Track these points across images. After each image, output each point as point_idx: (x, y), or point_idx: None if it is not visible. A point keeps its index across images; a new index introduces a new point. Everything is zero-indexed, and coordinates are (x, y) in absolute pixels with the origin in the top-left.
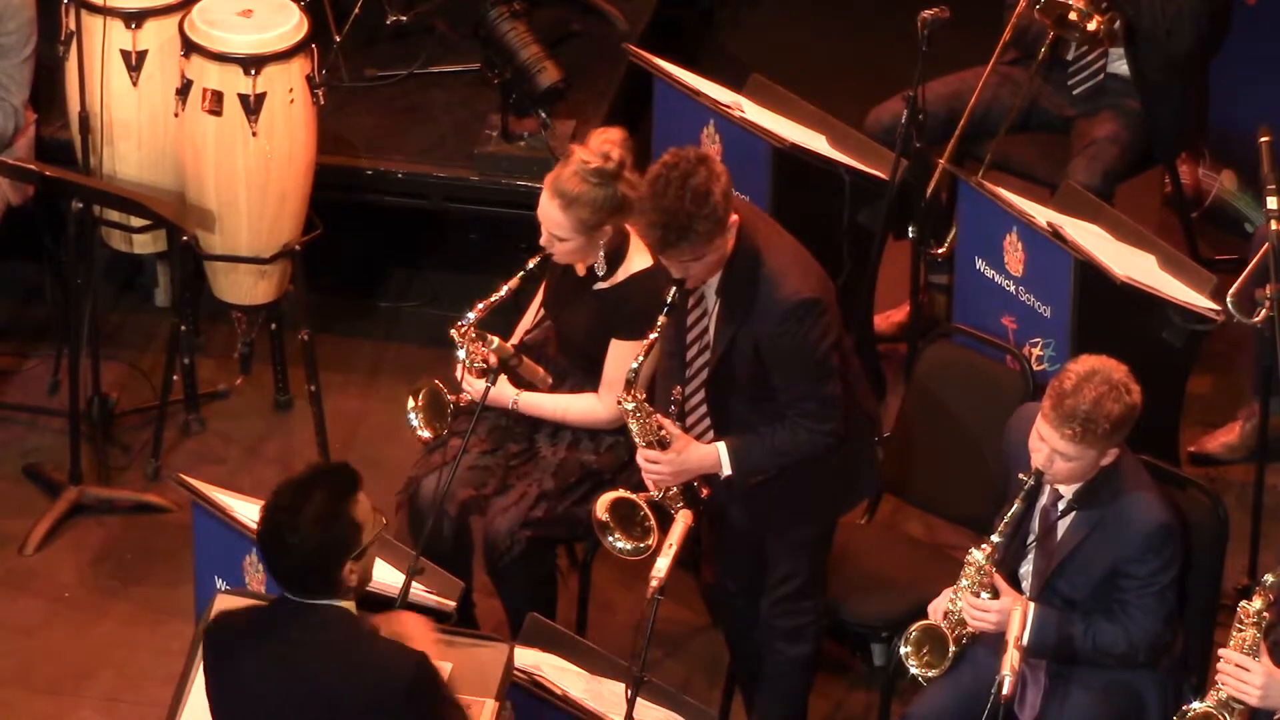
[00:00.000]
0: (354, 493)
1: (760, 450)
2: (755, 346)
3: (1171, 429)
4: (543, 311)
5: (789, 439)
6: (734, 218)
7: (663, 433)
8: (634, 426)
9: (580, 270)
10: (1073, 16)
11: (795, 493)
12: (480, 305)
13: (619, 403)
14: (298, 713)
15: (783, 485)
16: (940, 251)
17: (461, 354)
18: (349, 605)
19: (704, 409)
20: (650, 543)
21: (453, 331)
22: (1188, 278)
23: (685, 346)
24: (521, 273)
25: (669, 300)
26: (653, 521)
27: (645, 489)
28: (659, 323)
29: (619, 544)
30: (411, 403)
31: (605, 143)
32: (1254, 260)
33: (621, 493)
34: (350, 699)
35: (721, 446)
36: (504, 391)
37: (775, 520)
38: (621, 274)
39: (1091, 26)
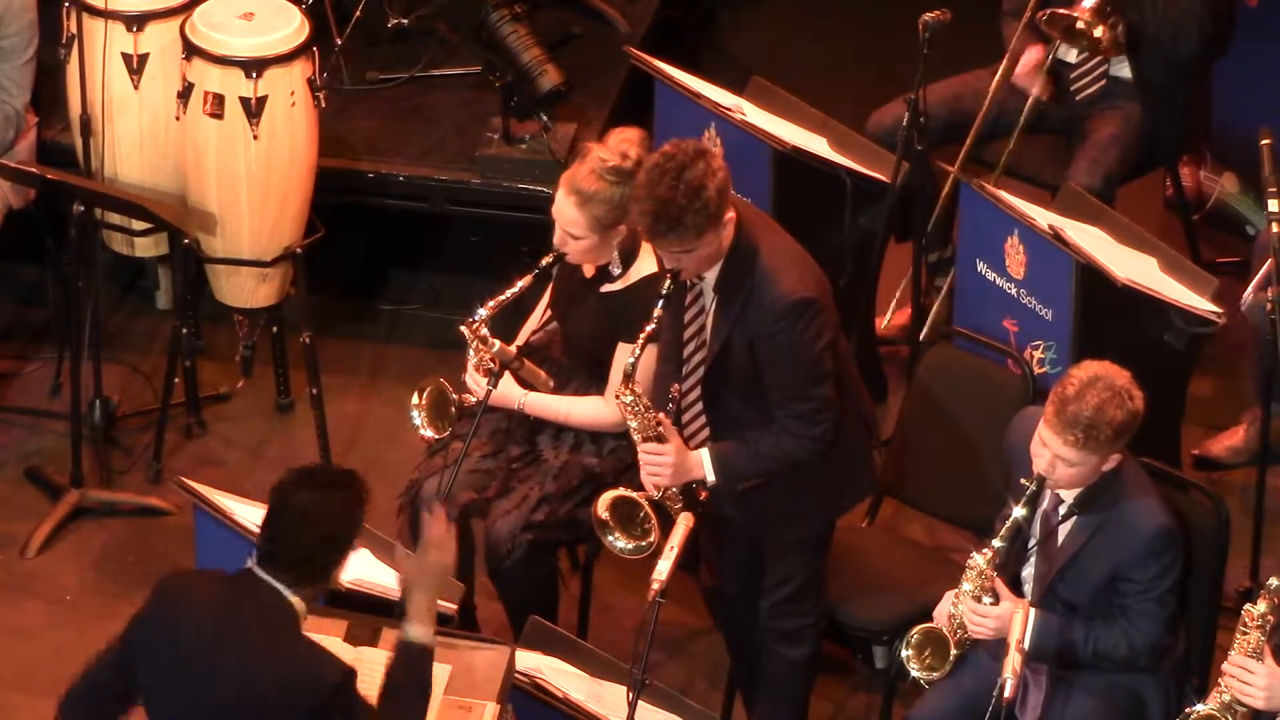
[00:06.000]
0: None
1: (745, 457)
2: (750, 344)
3: (1173, 432)
4: (549, 313)
5: (774, 445)
6: (730, 214)
7: (660, 429)
8: (633, 422)
9: (589, 272)
10: (1079, 26)
11: (790, 493)
12: (491, 303)
13: (617, 397)
14: (216, 680)
15: (778, 486)
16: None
17: (472, 352)
18: (301, 607)
19: (700, 407)
20: (650, 542)
21: (463, 328)
22: (1189, 280)
23: (683, 344)
24: (534, 271)
25: (663, 291)
26: (653, 521)
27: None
28: (655, 314)
29: (619, 543)
30: (416, 399)
31: (623, 141)
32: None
33: (622, 491)
34: (271, 687)
35: (704, 453)
36: (510, 393)
37: (771, 520)
38: (631, 276)
39: (1098, 34)
